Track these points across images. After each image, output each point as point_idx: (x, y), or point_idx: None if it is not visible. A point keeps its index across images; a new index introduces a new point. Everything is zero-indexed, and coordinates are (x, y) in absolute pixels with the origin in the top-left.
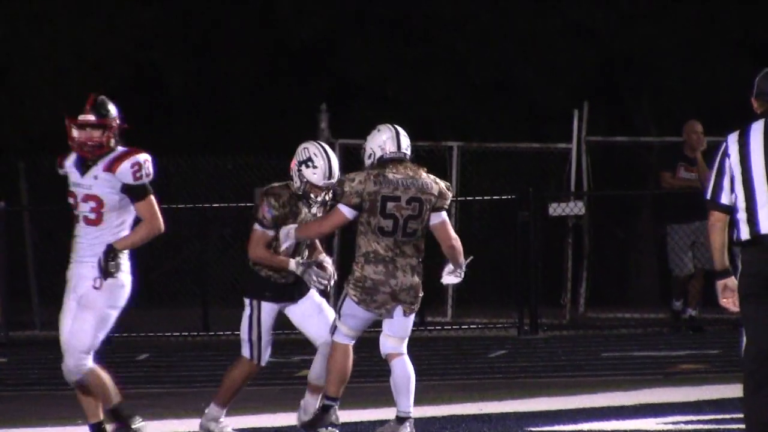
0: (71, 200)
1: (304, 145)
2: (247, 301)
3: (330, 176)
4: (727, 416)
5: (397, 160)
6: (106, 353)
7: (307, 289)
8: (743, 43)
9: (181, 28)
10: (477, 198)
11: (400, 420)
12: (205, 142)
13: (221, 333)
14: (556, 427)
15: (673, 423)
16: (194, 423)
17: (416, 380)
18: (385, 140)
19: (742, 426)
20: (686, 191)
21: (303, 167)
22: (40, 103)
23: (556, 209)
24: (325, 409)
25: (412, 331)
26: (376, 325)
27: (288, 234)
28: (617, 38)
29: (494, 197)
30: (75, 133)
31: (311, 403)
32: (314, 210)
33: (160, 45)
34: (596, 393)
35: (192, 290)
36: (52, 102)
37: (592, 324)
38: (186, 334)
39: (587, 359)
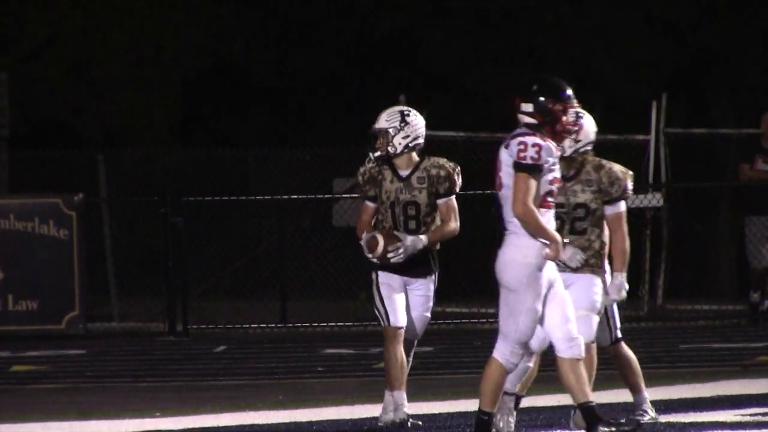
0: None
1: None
2: (373, 274)
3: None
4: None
5: None
6: (183, 345)
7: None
8: None
9: (261, 20)
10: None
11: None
12: (284, 134)
13: (299, 324)
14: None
15: (751, 415)
16: (272, 415)
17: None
18: None
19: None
20: (765, 183)
21: None
22: (119, 95)
23: (634, 201)
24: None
25: (489, 322)
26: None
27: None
28: (697, 30)
29: None
30: (569, 118)
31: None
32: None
33: (240, 36)
34: (674, 385)
35: (271, 282)
36: (131, 94)
37: (670, 316)
38: (264, 325)
39: (665, 351)
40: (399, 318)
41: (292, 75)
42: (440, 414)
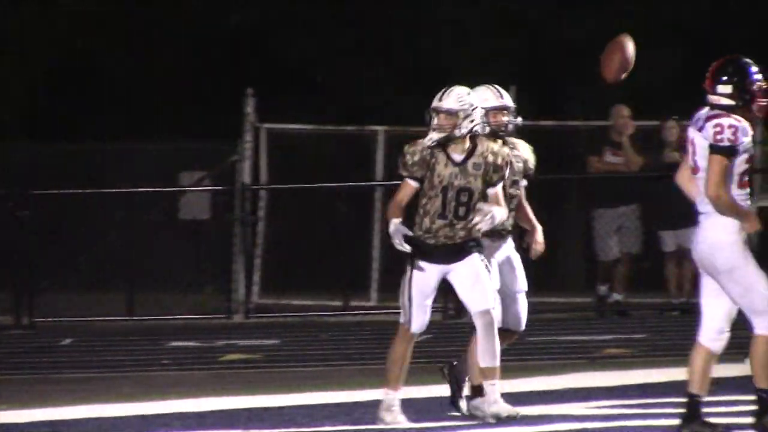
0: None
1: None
2: (407, 268)
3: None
4: (653, 400)
5: None
6: (29, 338)
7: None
8: (677, 30)
9: (110, 13)
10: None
11: None
12: (135, 128)
13: (146, 317)
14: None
15: (599, 407)
16: (118, 408)
17: (340, 365)
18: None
19: (668, 410)
20: (613, 175)
21: None
22: None
23: None
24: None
25: (336, 315)
26: None
27: None
28: (546, 24)
29: None
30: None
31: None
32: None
33: (90, 31)
34: (522, 377)
35: (117, 275)
36: None
37: None
38: (111, 318)
39: (513, 343)
40: (421, 326)
41: (142, 69)
42: (286, 407)
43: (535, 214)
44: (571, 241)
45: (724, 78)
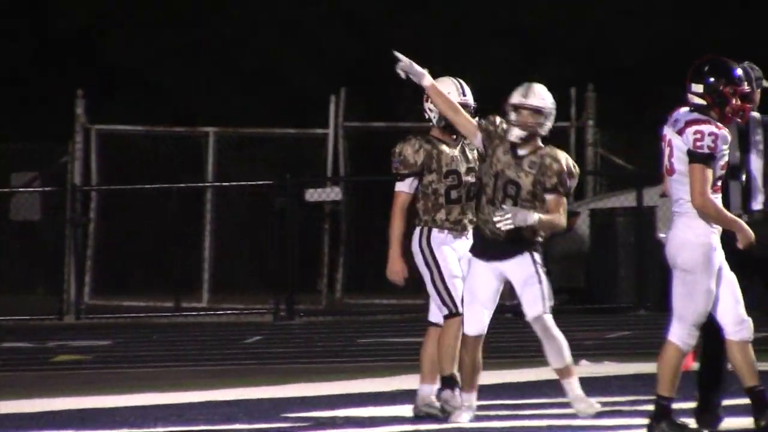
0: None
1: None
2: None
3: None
4: (488, 402)
5: None
6: None
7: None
8: (506, 31)
9: None
10: (234, 183)
11: None
12: None
13: None
14: (313, 413)
15: None
16: None
17: (172, 366)
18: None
19: (500, 412)
20: None
21: None
22: None
23: (313, 195)
24: None
25: (167, 316)
26: None
27: None
28: (381, 25)
29: (252, 183)
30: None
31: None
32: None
33: None
34: (353, 379)
35: None
36: None
37: (349, 310)
38: None
39: (344, 345)
40: (477, 328)
41: None
42: (119, 408)
43: (367, 216)
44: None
45: (698, 77)
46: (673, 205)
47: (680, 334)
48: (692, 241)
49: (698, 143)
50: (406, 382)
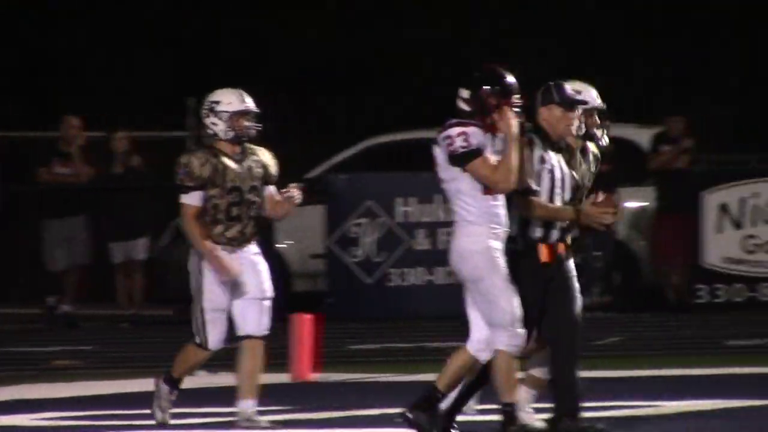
0: None
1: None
2: None
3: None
4: (101, 412)
5: None
6: None
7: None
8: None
9: None
10: None
11: None
12: None
13: None
14: None
15: (49, 419)
16: None
17: None
18: None
19: (118, 422)
20: (62, 186)
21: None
22: None
23: None
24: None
25: None
26: None
27: None
28: (38, 37)
29: None
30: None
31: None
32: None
33: None
34: None
35: None
36: None
37: None
38: None
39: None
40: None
41: None
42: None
43: None
44: (21, 251)
45: (467, 82)
46: (453, 215)
47: (502, 339)
48: (470, 249)
49: (450, 148)
50: (26, 391)
